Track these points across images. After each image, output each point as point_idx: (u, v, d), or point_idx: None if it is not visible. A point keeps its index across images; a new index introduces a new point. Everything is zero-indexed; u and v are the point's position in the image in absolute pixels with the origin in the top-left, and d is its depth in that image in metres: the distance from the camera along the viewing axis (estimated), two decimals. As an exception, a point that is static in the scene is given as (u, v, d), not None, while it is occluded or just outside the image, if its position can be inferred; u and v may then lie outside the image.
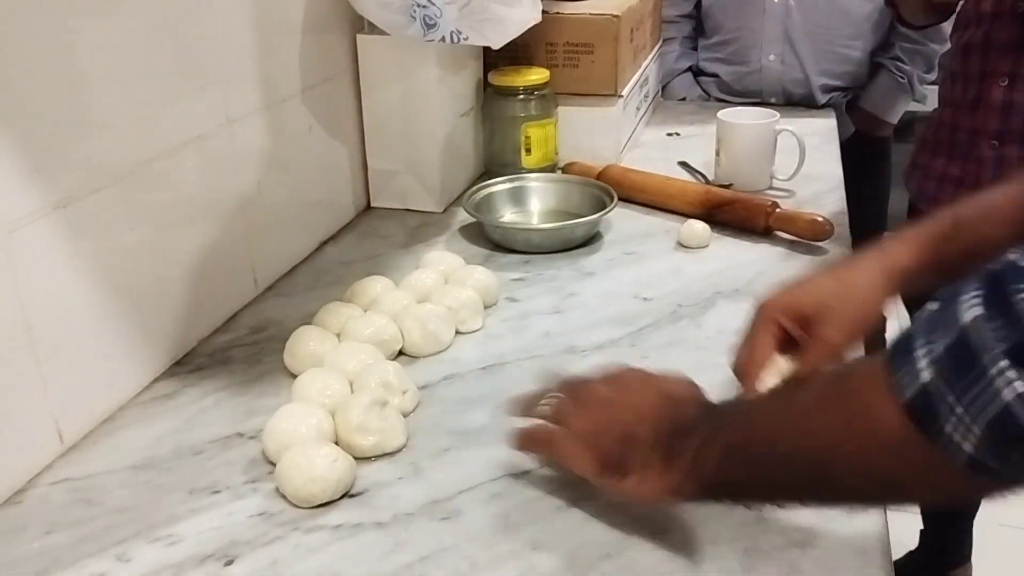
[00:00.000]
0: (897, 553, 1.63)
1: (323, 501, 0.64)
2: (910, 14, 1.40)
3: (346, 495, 0.65)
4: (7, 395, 0.65)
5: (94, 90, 0.71)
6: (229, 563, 0.60)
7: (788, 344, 0.69)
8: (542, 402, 0.66)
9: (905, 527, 1.63)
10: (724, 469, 0.55)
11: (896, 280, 0.69)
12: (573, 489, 0.65)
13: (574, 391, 0.65)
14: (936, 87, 1.58)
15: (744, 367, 0.69)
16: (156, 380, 0.81)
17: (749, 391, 0.67)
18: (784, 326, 0.69)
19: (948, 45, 1.59)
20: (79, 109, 0.70)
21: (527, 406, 0.67)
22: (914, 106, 1.72)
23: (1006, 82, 1.24)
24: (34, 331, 0.67)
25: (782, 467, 0.53)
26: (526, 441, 0.65)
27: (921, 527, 1.63)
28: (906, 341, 0.45)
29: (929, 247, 0.69)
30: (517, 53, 1.23)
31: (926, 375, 0.43)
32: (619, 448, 0.59)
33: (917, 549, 1.65)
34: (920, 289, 0.69)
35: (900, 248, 0.69)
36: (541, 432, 0.64)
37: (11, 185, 0.64)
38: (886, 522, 0.62)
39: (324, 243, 1.09)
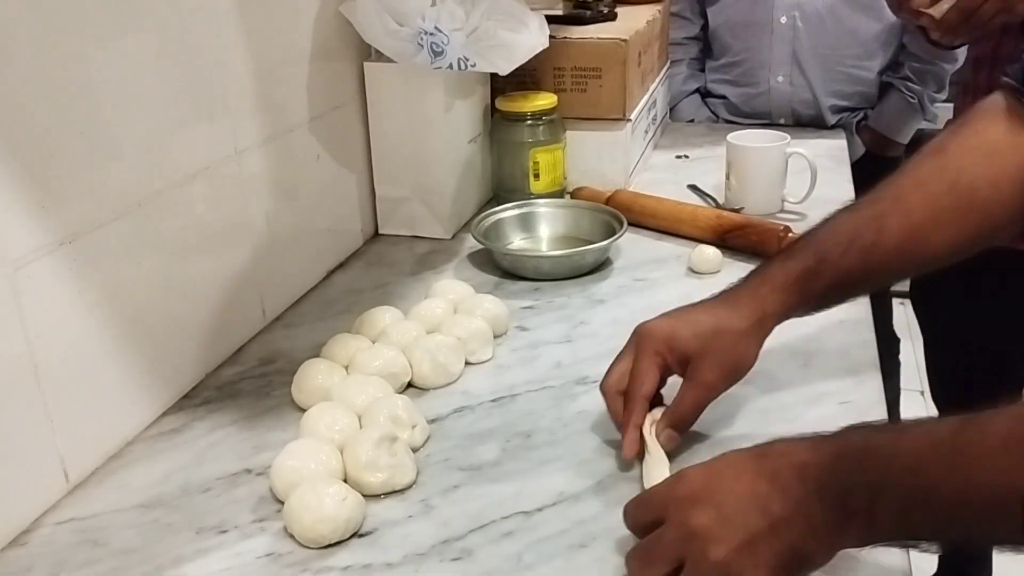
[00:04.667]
0: (915, 578, 1.60)
1: (332, 541, 0.63)
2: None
3: (355, 534, 0.64)
4: (12, 433, 0.64)
5: (102, 123, 0.71)
6: (237, 606, 0.59)
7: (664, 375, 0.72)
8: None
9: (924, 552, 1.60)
10: (905, 525, 0.51)
11: (767, 326, 0.73)
12: (587, 527, 0.64)
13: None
14: (947, 104, 1.57)
15: (632, 394, 0.71)
16: (164, 414, 0.80)
17: (630, 419, 0.70)
18: (667, 359, 0.71)
19: (959, 63, 1.58)
20: (86, 142, 0.69)
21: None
22: (924, 124, 1.71)
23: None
24: (40, 368, 0.66)
25: (981, 518, 0.48)
26: None
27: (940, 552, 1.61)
28: None
29: (796, 290, 0.72)
30: (525, 78, 1.22)
31: None
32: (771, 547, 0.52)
33: (936, 574, 1.62)
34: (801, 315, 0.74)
35: (771, 295, 0.73)
36: None
37: (17, 221, 0.64)
38: (908, 552, 0.61)
39: (332, 271, 1.09)
